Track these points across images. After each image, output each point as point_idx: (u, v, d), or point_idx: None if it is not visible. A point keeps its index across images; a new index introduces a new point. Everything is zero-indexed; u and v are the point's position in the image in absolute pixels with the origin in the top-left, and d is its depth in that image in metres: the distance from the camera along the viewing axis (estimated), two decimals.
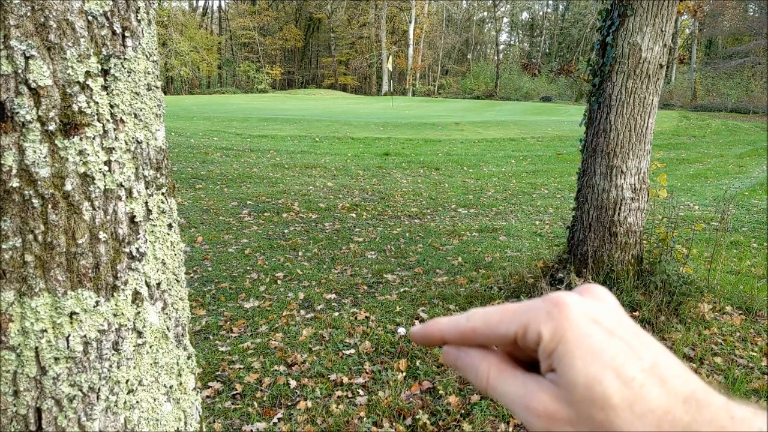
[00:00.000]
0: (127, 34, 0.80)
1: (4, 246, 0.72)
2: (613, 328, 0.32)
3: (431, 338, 0.37)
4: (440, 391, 2.94)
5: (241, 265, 5.02)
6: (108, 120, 0.78)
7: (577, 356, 0.30)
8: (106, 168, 0.79)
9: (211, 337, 3.63)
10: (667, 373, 0.30)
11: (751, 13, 37.62)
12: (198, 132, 14.58)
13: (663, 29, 3.69)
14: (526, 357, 0.34)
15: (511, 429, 2.65)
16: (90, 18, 0.75)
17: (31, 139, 0.71)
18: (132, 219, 0.83)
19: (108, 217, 0.80)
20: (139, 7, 0.82)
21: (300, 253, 5.42)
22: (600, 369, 0.30)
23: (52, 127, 0.73)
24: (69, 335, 0.77)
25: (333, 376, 3.12)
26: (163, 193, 0.89)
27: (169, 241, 0.91)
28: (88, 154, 0.76)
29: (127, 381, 0.84)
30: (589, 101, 4.02)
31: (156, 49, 0.88)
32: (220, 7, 58.02)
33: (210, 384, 3.05)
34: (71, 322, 0.77)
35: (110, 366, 0.81)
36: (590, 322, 0.31)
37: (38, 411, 0.77)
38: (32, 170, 0.72)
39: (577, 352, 0.30)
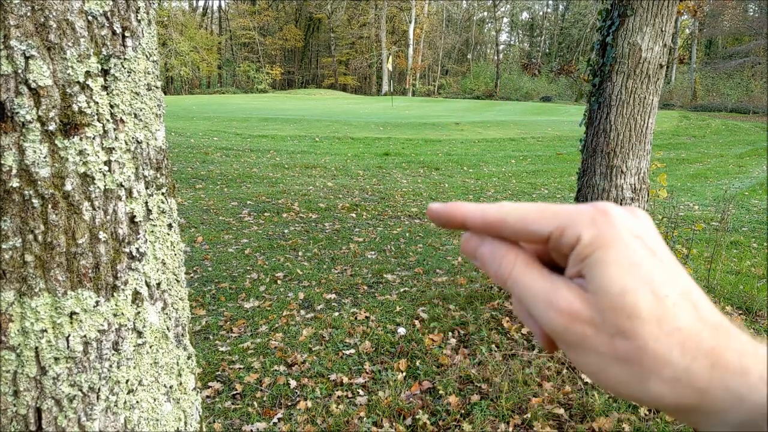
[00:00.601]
0: (127, 34, 0.80)
1: (4, 246, 0.72)
2: (653, 247, 0.31)
3: (452, 219, 0.35)
4: (440, 391, 2.94)
5: (241, 265, 5.02)
6: (108, 120, 0.78)
7: (614, 264, 0.30)
8: (106, 168, 0.79)
9: (211, 337, 3.63)
10: (699, 301, 0.30)
11: (751, 13, 37.61)
12: (198, 132, 14.58)
13: (663, 29, 3.69)
14: (549, 261, 0.34)
15: (511, 429, 2.65)
16: (90, 18, 0.75)
17: (31, 139, 0.71)
18: (132, 219, 0.83)
19: (108, 217, 0.80)
20: (139, 7, 0.82)
21: (300, 253, 5.42)
22: (635, 280, 0.30)
23: (52, 127, 0.73)
24: (69, 335, 0.77)
25: (333, 376, 3.12)
26: (163, 193, 0.89)
27: (169, 241, 0.91)
28: (88, 154, 0.76)
29: (127, 381, 0.84)
30: (589, 101, 4.02)
31: (156, 49, 0.88)
32: (220, 7, 58.03)
33: (210, 384, 3.05)
34: (71, 322, 0.77)
35: (110, 366, 0.81)
36: (633, 237, 0.31)
37: (38, 411, 0.77)
38: (32, 170, 0.72)
39: (614, 260, 0.30)
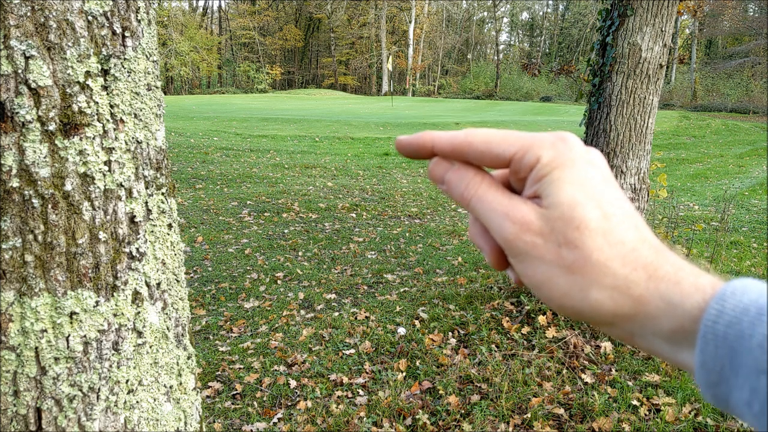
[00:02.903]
0: (127, 34, 0.80)
1: (4, 246, 0.72)
2: (604, 174, 0.34)
3: (422, 147, 0.37)
4: (440, 391, 2.94)
5: (241, 265, 5.02)
6: (108, 120, 0.78)
7: (568, 182, 0.32)
8: (106, 168, 0.79)
9: (211, 337, 3.63)
10: (641, 224, 0.33)
11: (751, 13, 37.62)
12: (198, 132, 14.57)
13: (663, 29, 3.69)
14: (509, 190, 0.36)
15: (511, 429, 2.65)
16: (90, 18, 0.75)
17: (31, 139, 0.71)
18: (132, 219, 0.83)
19: (108, 217, 0.80)
20: (139, 7, 0.82)
21: (300, 253, 5.42)
22: (586, 196, 0.32)
23: (52, 127, 0.73)
24: (69, 335, 0.77)
25: (333, 376, 3.12)
26: (163, 193, 0.89)
27: (169, 241, 0.91)
28: (88, 154, 0.76)
29: (127, 381, 0.84)
30: (589, 101, 4.02)
31: (156, 49, 0.88)
32: (220, 7, 58.03)
33: (210, 384, 3.05)
34: (71, 322, 0.77)
35: (110, 366, 0.81)
36: (587, 162, 0.34)
37: (38, 411, 0.77)
38: (32, 170, 0.72)
39: (569, 178, 0.33)
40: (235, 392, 2.99)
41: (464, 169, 0.36)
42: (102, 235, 0.79)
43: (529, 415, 2.71)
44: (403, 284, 4.62)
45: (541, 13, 62.48)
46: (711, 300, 0.30)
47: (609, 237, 0.32)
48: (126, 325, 0.83)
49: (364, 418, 2.72)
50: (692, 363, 0.31)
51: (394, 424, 2.67)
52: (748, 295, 0.29)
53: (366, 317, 3.91)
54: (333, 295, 4.36)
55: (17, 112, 0.70)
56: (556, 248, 0.32)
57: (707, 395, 0.30)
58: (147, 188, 0.86)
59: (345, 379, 3.08)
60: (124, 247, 0.82)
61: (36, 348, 0.75)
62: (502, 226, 0.34)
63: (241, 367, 3.23)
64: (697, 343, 0.29)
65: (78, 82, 0.74)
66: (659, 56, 3.73)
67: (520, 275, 0.34)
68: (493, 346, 3.39)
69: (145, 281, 0.86)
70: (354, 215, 7.07)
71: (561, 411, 2.76)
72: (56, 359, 0.76)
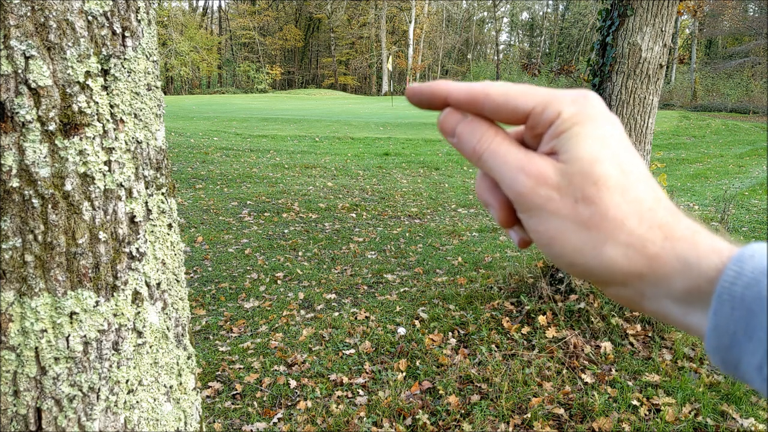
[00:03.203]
0: (127, 34, 0.80)
1: (4, 246, 0.72)
2: (623, 136, 0.34)
3: (435, 96, 0.35)
4: (440, 391, 2.94)
5: (241, 265, 5.02)
6: (108, 120, 0.78)
7: (590, 137, 0.32)
8: (106, 168, 0.79)
9: (211, 337, 3.63)
10: (657, 188, 0.33)
11: (751, 13, 37.62)
12: (198, 132, 14.58)
13: (663, 29, 3.69)
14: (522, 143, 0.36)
15: (511, 429, 2.65)
16: (90, 18, 0.75)
17: (31, 139, 0.71)
18: (132, 219, 0.83)
19: (108, 217, 0.80)
20: (139, 7, 0.82)
21: (300, 253, 5.42)
22: (606, 154, 0.32)
23: (52, 127, 0.73)
24: (69, 335, 0.77)
25: (333, 376, 3.12)
26: (163, 193, 0.89)
27: (169, 241, 0.91)
28: (88, 154, 0.76)
29: (127, 381, 0.84)
30: None
31: (156, 49, 0.88)
32: (220, 7, 58.03)
33: (210, 384, 3.05)
34: (71, 322, 0.77)
35: (110, 366, 0.81)
36: (608, 120, 0.33)
37: (38, 411, 0.77)
38: (32, 170, 0.72)
39: (590, 134, 0.32)
40: (235, 392, 2.99)
41: (477, 121, 0.35)
42: (102, 235, 0.79)
43: (529, 415, 2.71)
44: (403, 284, 4.62)
45: (541, 13, 62.48)
46: (729, 262, 0.29)
47: (627, 194, 0.31)
48: (126, 325, 0.83)
49: (364, 418, 2.72)
50: (702, 326, 0.30)
51: (394, 424, 2.67)
52: None
53: (366, 317, 3.91)
54: (333, 295, 4.36)
55: (17, 112, 0.70)
56: (572, 203, 0.32)
57: (716, 359, 0.30)
58: (147, 188, 0.86)
59: (345, 379, 3.08)
60: (124, 247, 0.82)
61: (36, 348, 0.75)
62: (516, 179, 0.33)
63: (241, 367, 3.23)
64: (711, 305, 0.29)
65: (78, 82, 0.74)
66: (659, 56, 3.73)
67: (531, 231, 0.34)
68: (493, 346, 3.39)
69: (145, 281, 0.86)
70: (354, 215, 7.07)
71: (561, 411, 2.76)
72: (56, 359, 0.76)
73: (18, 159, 0.71)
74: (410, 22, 50.05)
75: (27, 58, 0.70)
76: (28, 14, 0.69)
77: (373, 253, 5.51)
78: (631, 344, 3.41)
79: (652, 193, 0.32)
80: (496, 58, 56.24)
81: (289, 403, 2.90)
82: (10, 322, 0.73)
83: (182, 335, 0.96)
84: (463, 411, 2.78)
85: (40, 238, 0.73)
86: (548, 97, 0.33)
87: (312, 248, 5.59)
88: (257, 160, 11.04)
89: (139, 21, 0.82)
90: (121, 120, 0.80)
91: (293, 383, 3.05)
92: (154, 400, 0.88)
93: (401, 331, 3.67)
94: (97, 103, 0.76)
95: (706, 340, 0.30)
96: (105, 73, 0.77)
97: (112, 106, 0.78)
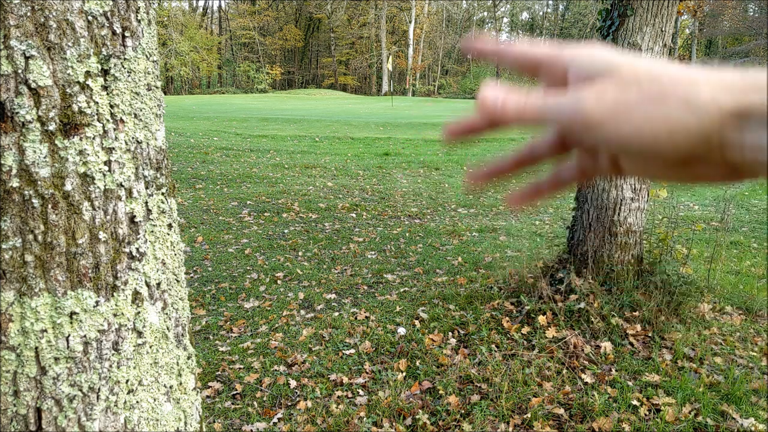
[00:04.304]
0: (127, 34, 0.80)
1: (4, 246, 0.72)
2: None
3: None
4: (440, 391, 2.94)
5: (241, 265, 5.02)
6: (108, 120, 0.78)
7: (630, 62, 0.35)
8: (106, 168, 0.79)
9: (211, 337, 3.63)
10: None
11: (751, 13, 37.62)
12: (198, 132, 14.58)
13: (663, 29, 3.69)
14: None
15: (511, 429, 2.65)
16: (90, 18, 0.75)
17: (31, 139, 0.71)
18: (132, 219, 0.83)
19: (108, 217, 0.80)
20: (139, 7, 0.82)
21: (300, 253, 5.42)
22: (650, 67, 0.34)
23: (52, 127, 0.73)
24: (69, 335, 0.77)
25: (333, 376, 3.12)
26: (163, 193, 0.89)
27: (169, 241, 0.91)
28: (88, 154, 0.76)
29: (127, 381, 0.84)
30: None
31: (156, 49, 0.88)
32: (220, 7, 58.05)
33: (210, 384, 3.05)
34: (71, 322, 0.77)
35: (110, 366, 0.81)
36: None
37: (38, 411, 0.77)
38: (32, 170, 0.72)
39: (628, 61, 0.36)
40: (235, 392, 2.99)
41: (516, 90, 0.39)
42: (102, 235, 0.79)
43: (529, 415, 2.71)
44: (403, 284, 4.62)
45: (541, 13, 62.49)
46: None
47: (684, 71, 0.33)
48: (126, 325, 0.83)
49: (364, 418, 2.72)
50: None
51: (394, 424, 2.67)
52: None
53: (366, 317, 3.91)
54: (333, 295, 4.36)
55: (17, 112, 0.70)
56: (637, 88, 0.33)
57: None
58: (147, 188, 0.86)
59: (345, 379, 3.08)
60: (124, 247, 0.82)
61: (36, 348, 0.75)
62: (578, 101, 0.35)
63: (241, 367, 3.23)
64: None
65: (78, 82, 0.74)
66: (659, 56, 3.73)
67: (610, 134, 0.34)
68: (493, 346, 3.39)
69: (145, 281, 0.86)
70: (354, 215, 7.07)
71: (561, 411, 2.76)
72: (56, 359, 0.76)
73: (18, 159, 0.71)
74: (410, 22, 50.07)
75: (27, 58, 0.70)
76: (28, 14, 0.69)
77: (373, 253, 5.51)
78: (631, 344, 3.42)
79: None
80: None
81: (289, 403, 2.90)
82: (10, 322, 0.73)
83: (182, 335, 0.96)
84: (463, 411, 2.78)
85: (40, 238, 0.73)
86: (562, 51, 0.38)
87: (312, 248, 5.59)
88: (257, 160, 11.04)
89: (139, 21, 0.82)
90: (121, 120, 0.80)
91: (293, 383, 3.05)
92: (154, 400, 0.88)
93: (401, 331, 3.67)
94: (97, 103, 0.76)
95: None
96: (105, 73, 0.77)
97: (112, 106, 0.78)
